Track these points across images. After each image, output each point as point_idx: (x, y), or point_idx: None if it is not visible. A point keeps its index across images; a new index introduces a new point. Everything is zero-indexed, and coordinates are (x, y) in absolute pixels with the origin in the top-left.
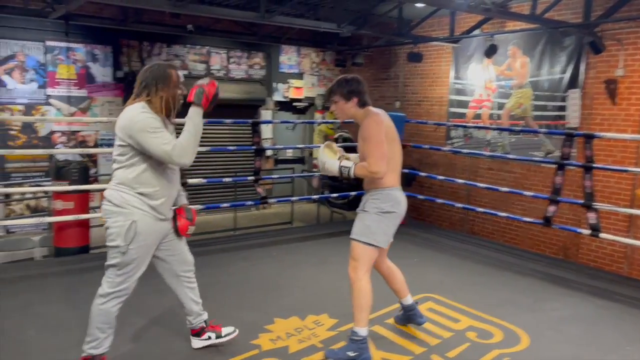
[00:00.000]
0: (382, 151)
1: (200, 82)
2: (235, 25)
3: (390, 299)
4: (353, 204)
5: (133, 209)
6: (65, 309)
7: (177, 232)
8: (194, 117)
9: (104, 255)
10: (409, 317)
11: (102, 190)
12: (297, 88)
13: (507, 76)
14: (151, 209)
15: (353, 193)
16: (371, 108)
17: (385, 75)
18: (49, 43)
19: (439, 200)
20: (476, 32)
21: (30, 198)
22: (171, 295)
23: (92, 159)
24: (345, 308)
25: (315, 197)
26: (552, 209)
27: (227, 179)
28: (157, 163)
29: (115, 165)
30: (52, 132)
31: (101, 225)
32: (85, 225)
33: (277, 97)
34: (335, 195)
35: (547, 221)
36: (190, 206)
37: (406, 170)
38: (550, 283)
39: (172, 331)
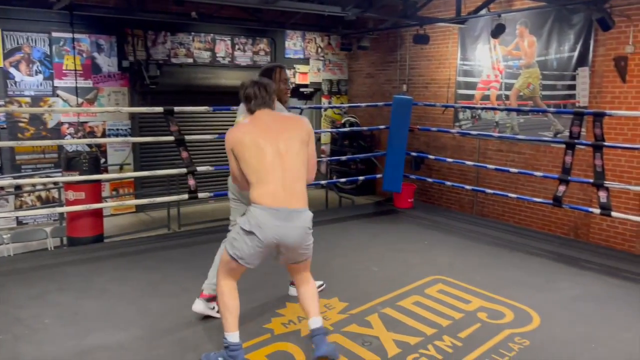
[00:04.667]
0: (231, 167)
1: None
2: (239, 12)
3: (399, 282)
4: (362, 189)
5: None
6: (80, 298)
7: None
8: None
9: (118, 244)
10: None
11: (112, 180)
12: (303, 73)
13: (515, 56)
14: None
15: (361, 178)
16: (250, 117)
17: (392, 59)
18: (55, 34)
19: (448, 183)
20: (483, 11)
21: (41, 189)
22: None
23: (101, 149)
24: (355, 292)
25: (323, 182)
26: (562, 188)
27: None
28: None
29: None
30: (61, 124)
31: (112, 215)
32: (98, 214)
33: None
34: (343, 180)
35: (558, 201)
36: None
37: (414, 154)
38: (562, 263)
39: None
